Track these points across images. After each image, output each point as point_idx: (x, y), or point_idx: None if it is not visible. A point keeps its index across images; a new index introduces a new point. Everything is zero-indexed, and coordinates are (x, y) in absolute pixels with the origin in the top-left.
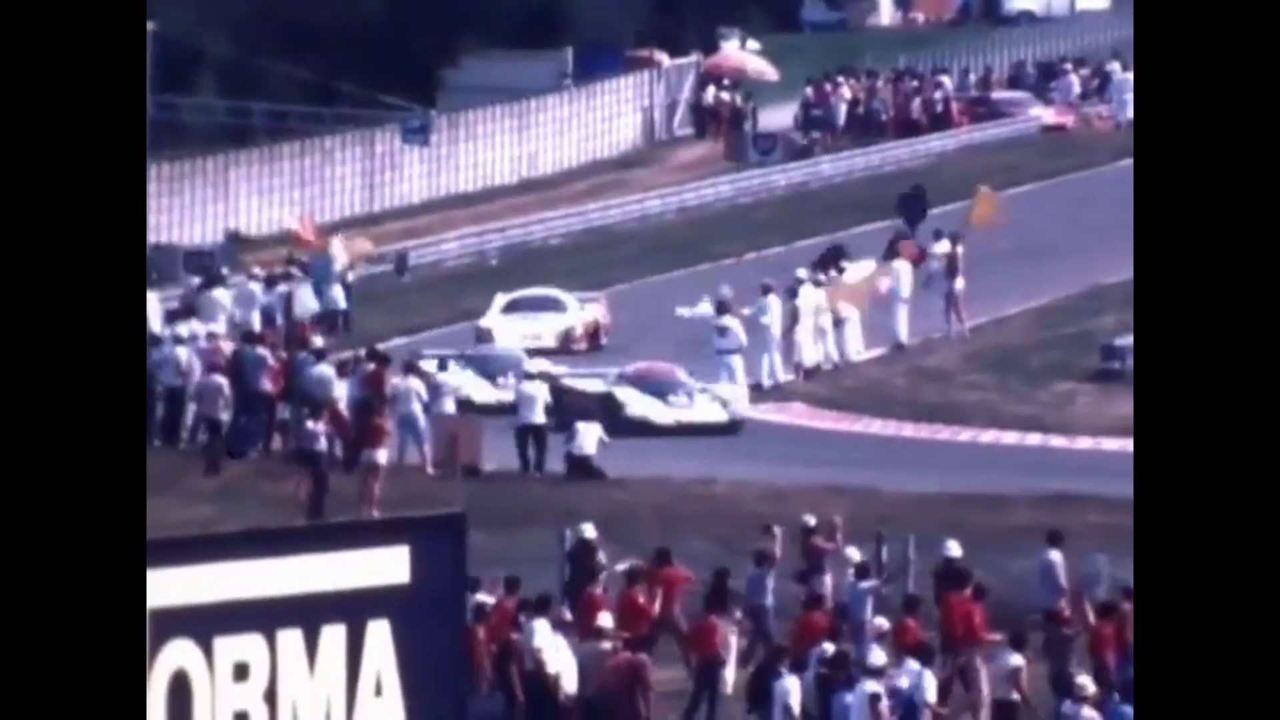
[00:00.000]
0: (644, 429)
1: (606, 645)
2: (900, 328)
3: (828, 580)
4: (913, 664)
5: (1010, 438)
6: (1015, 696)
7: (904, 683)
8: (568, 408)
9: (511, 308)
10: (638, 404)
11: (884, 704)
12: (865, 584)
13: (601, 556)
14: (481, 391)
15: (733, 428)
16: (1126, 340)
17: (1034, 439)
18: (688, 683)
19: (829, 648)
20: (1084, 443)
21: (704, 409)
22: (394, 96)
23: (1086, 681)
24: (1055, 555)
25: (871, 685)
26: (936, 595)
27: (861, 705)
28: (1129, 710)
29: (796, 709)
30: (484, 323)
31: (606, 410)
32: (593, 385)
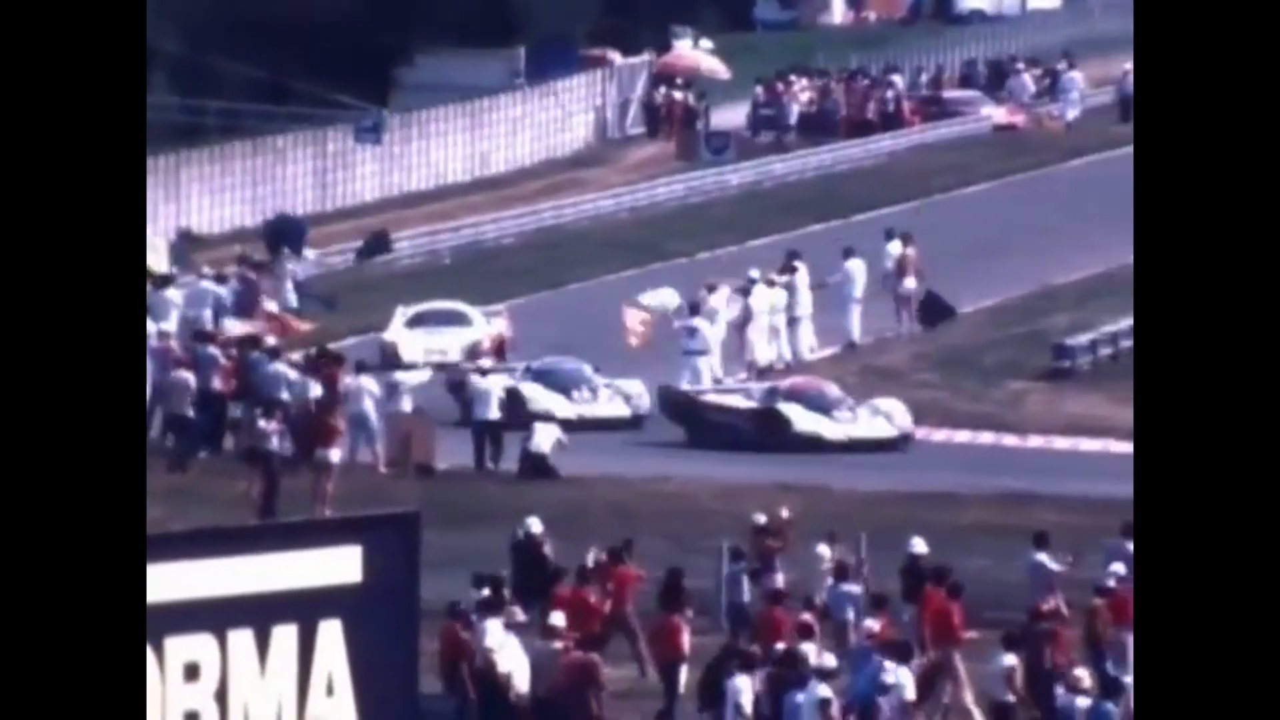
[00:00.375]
0: (813, 444)
1: (558, 644)
2: (853, 327)
3: (779, 578)
4: (888, 663)
5: (962, 436)
6: (1010, 697)
7: (890, 680)
8: (717, 426)
9: (416, 322)
10: (804, 420)
11: (834, 708)
12: (847, 585)
13: (549, 550)
14: (561, 407)
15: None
16: (1078, 339)
17: (986, 438)
18: (640, 682)
19: (812, 647)
20: (1035, 441)
21: (871, 425)
22: (347, 95)
23: (1083, 674)
24: (1043, 556)
25: (823, 689)
26: (905, 593)
27: (811, 708)
28: (1111, 707)
29: (748, 708)
30: (388, 336)
31: (770, 428)
32: (747, 402)
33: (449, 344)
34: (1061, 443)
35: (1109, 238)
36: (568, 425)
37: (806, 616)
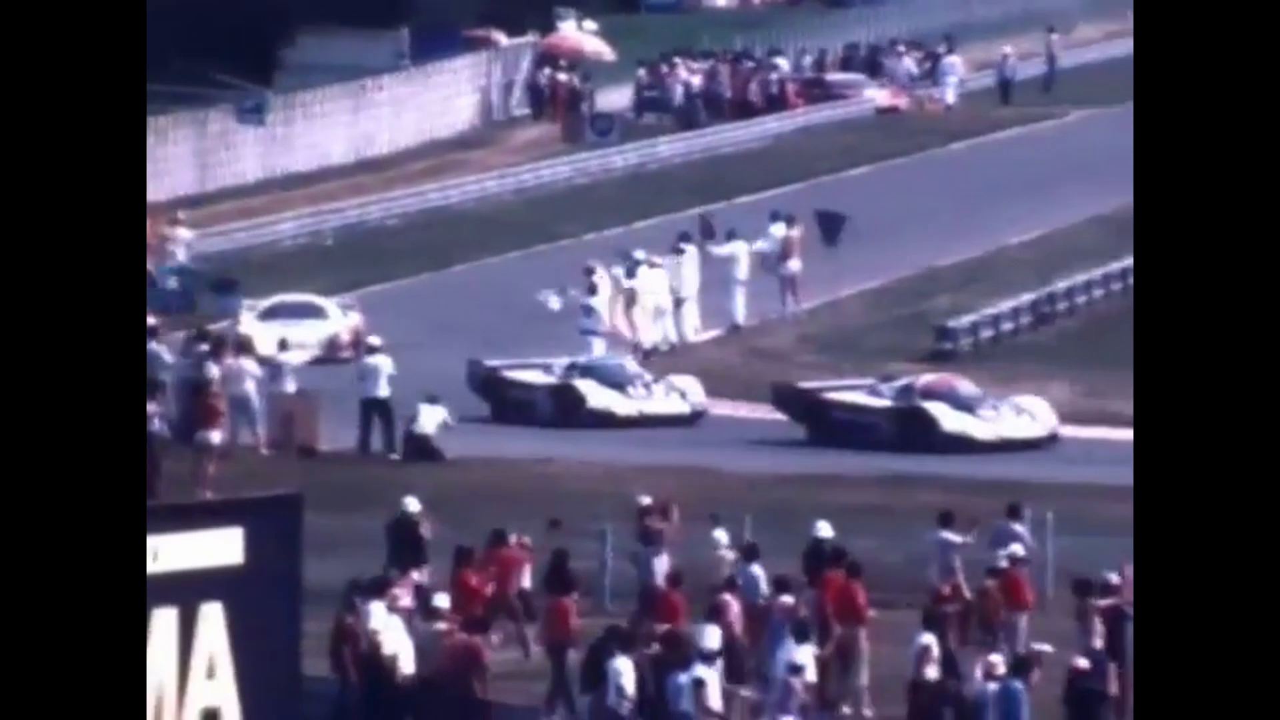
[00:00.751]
0: (963, 445)
1: (442, 626)
2: (737, 309)
3: (665, 560)
4: (794, 642)
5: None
6: (930, 674)
7: (801, 658)
8: (849, 426)
9: (269, 314)
10: (950, 419)
11: (708, 690)
12: (755, 566)
13: (425, 531)
14: (620, 404)
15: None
16: (959, 321)
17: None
18: (524, 664)
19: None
20: None
21: (1018, 424)
22: (229, 75)
23: (998, 660)
24: (948, 534)
25: (701, 670)
26: (807, 575)
27: (688, 688)
28: (1018, 685)
29: (629, 689)
30: (242, 329)
31: (915, 428)
32: (881, 400)
33: (305, 336)
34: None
35: (990, 220)
36: (629, 423)
37: (727, 597)
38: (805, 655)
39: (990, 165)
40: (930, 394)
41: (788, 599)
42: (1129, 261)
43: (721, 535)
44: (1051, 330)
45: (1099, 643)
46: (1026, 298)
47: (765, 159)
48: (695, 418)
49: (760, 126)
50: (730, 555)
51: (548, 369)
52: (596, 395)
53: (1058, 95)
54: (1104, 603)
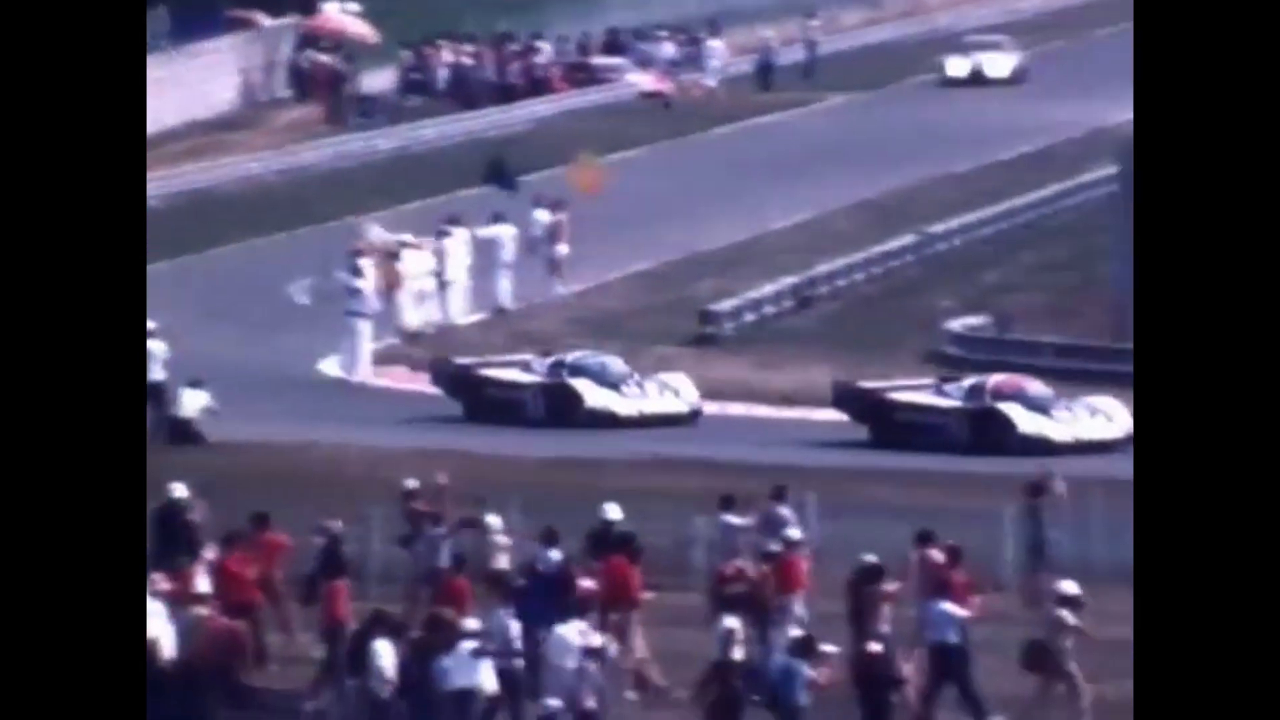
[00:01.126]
0: (1039, 448)
1: (204, 611)
2: (503, 292)
3: (443, 545)
4: (576, 623)
5: None
6: (735, 656)
7: (596, 641)
8: (918, 428)
9: None
10: (1027, 421)
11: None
12: (554, 551)
13: (196, 517)
14: (619, 404)
15: None
16: (723, 305)
17: None
18: (288, 648)
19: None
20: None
21: (1093, 425)
22: None
23: (784, 640)
24: (730, 517)
25: (468, 645)
26: (594, 557)
27: (462, 666)
28: (800, 664)
29: (389, 673)
30: None
31: (990, 430)
32: (950, 401)
33: None
34: (709, 407)
35: (754, 205)
36: (630, 423)
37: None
38: (594, 637)
39: (753, 150)
40: (1001, 395)
41: (588, 582)
42: (889, 245)
43: (495, 520)
44: (813, 314)
45: (886, 627)
46: (788, 281)
47: (529, 142)
48: (693, 417)
49: (525, 110)
50: (504, 540)
51: (527, 367)
52: (594, 395)
53: (817, 81)
54: (887, 588)
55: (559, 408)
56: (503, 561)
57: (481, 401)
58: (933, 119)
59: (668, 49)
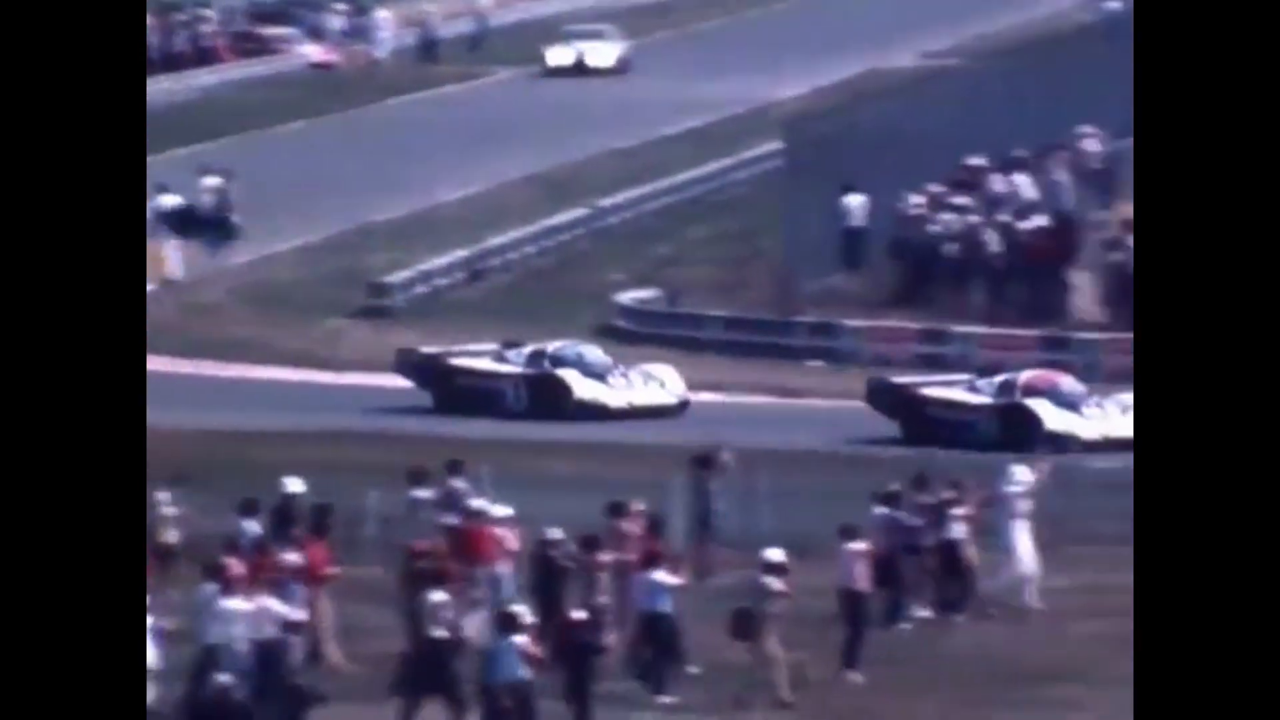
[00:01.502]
0: (1066, 445)
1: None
2: (170, 262)
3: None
4: (269, 602)
5: (282, 373)
6: (439, 632)
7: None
8: (946, 424)
9: None
10: (1054, 418)
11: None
12: (253, 523)
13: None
14: (608, 395)
15: None
16: (393, 277)
17: (304, 374)
18: None
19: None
20: (352, 378)
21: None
22: None
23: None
24: (419, 491)
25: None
26: (275, 533)
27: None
28: (512, 641)
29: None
30: None
31: (1018, 427)
32: (978, 397)
33: None
34: (379, 379)
35: (423, 177)
36: (620, 415)
37: (231, 560)
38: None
39: (423, 122)
40: (1032, 390)
41: (295, 557)
42: (559, 219)
43: (164, 495)
44: (485, 286)
45: (604, 598)
46: (460, 254)
47: (195, 112)
48: (681, 408)
49: (190, 80)
50: (173, 511)
51: (500, 356)
52: (582, 386)
53: (484, 55)
54: (605, 557)
55: (545, 399)
56: (171, 536)
57: (454, 391)
58: (595, 94)
59: (336, 20)
